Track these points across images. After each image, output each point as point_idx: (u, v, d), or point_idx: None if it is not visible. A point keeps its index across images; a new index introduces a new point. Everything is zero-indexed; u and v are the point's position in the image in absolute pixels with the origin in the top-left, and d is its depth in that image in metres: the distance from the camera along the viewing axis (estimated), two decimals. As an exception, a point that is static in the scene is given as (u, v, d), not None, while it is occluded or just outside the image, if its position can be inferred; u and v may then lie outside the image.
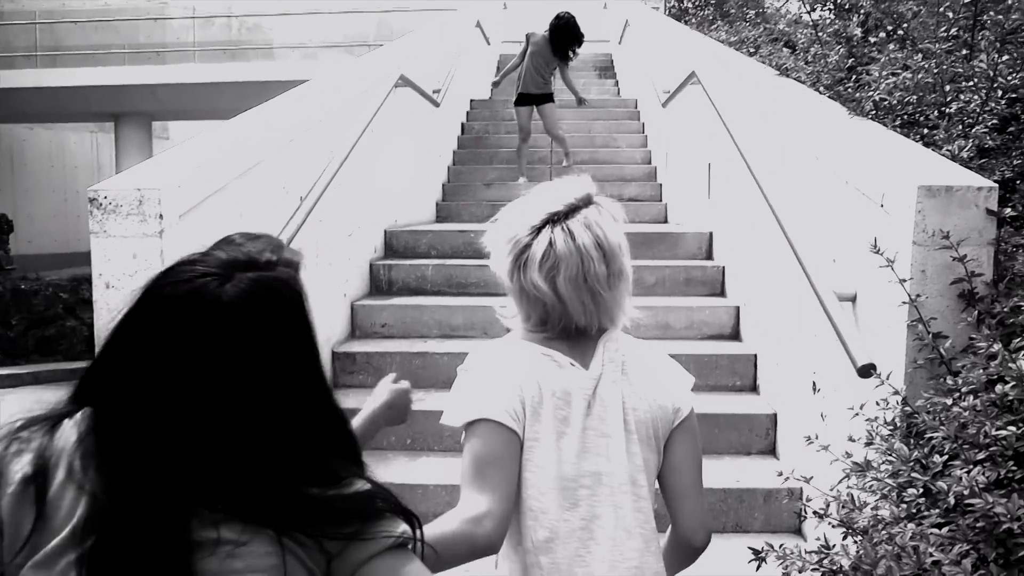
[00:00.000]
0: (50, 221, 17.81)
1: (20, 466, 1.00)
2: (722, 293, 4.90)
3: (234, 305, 1.02)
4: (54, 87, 14.36)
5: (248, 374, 1.02)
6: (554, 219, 1.44)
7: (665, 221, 7.27)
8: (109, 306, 2.74)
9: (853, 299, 2.76)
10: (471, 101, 10.05)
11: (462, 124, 9.28)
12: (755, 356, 4.10)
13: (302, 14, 16.78)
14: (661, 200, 7.61)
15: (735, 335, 4.49)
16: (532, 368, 1.48)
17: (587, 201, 1.48)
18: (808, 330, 3.21)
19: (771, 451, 3.73)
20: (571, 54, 7.56)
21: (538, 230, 1.44)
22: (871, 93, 3.45)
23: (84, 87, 14.33)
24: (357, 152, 4.54)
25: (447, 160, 8.22)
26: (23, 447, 1.02)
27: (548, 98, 7.57)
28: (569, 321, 1.49)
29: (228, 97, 13.80)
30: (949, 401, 1.79)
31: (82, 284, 10.21)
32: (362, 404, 1.60)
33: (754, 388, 4.11)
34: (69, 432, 1.02)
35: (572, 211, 1.45)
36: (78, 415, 1.04)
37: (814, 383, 3.09)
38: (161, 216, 2.71)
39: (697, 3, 9.14)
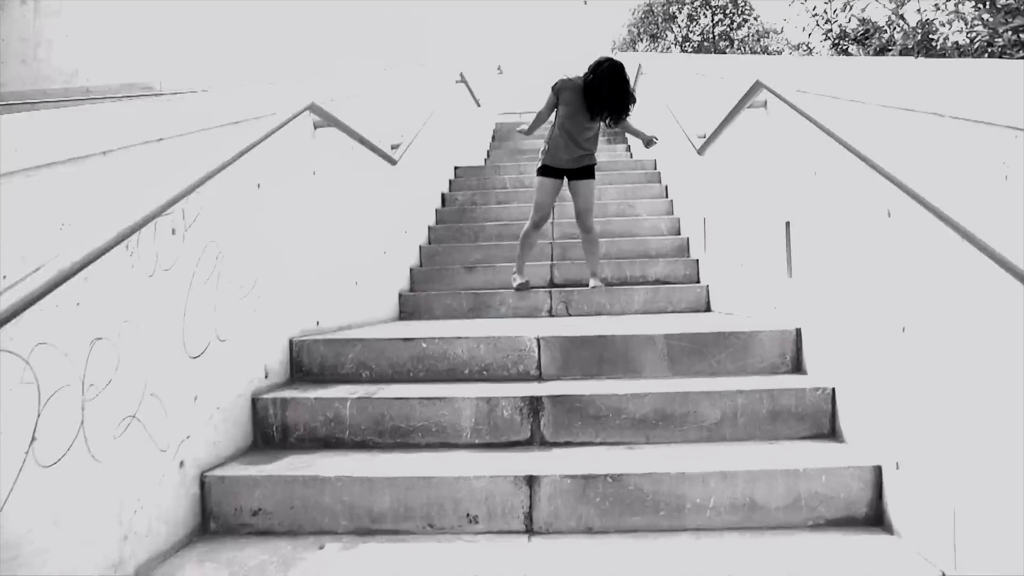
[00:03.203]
0: None
1: None
2: (833, 434, 2.94)
3: None
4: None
5: None
6: None
7: (707, 308, 5.38)
8: None
9: None
10: (455, 168, 8.33)
11: (443, 195, 7.51)
12: (941, 574, 2.13)
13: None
14: (699, 281, 5.74)
15: (876, 517, 2.52)
16: None
17: None
18: None
19: None
20: (623, 116, 4.88)
21: None
22: None
23: None
24: (232, 217, 2.72)
25: (420, 238, 6.40)
26: None
27: (588, 172, 5.08)
28: None
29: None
30: None
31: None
32: None
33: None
34: None
35: None
36: None
37: None
38: None
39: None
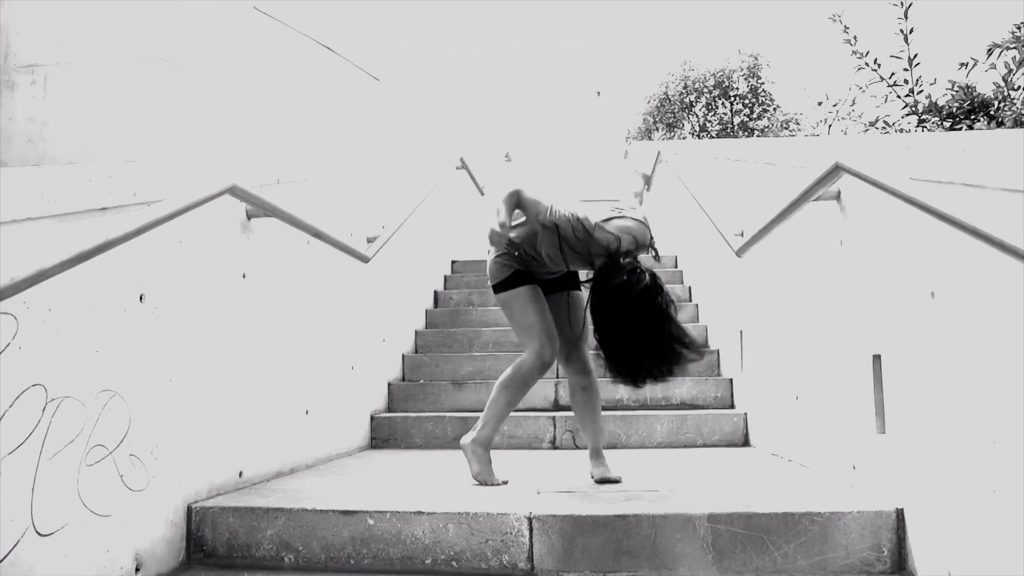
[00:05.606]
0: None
1: None
2: None
3: None
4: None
5: None
6: None
7: (745, 442, 4.40)
8: None
9: None
10: (453, 263, 7.47)
11: (436, 293, 6.62)
12: None
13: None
14: (734, 405, 4.77)
15: None
16: None
17: None
18: None
19: None
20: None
21: None
22: None
23: None
24: (79, 344, 1.81)
25: (404, 345, 5.48)
26: None
27: (573, 280, 3.34)
28: None
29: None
30: None
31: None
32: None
33: None
34: None
35: None
36: None
37: None
38: None
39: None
